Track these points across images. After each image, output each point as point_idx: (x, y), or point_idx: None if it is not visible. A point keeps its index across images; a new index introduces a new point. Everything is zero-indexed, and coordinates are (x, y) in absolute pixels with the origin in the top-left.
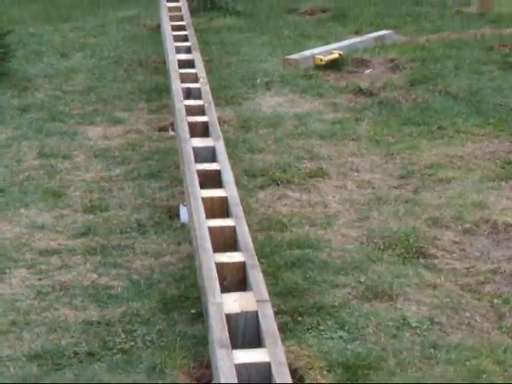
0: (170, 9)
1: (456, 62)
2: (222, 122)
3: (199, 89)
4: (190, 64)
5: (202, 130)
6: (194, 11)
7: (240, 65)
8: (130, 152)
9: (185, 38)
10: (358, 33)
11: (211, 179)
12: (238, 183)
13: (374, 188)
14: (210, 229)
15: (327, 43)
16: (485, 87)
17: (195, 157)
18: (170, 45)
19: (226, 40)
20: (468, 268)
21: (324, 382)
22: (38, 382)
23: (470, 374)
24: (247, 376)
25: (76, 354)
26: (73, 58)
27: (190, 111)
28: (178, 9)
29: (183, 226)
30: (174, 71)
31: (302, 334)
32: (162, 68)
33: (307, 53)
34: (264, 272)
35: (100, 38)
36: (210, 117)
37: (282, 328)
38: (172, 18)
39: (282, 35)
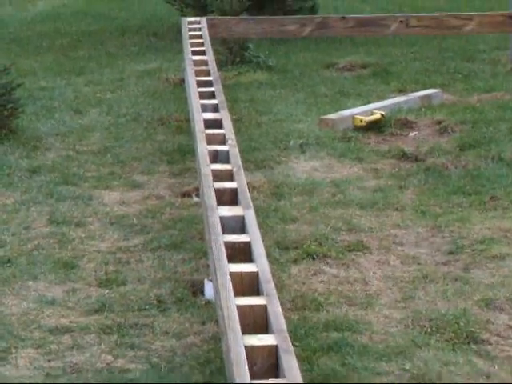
0: (196, 62)
1: (510, 125)
2: (251, 188)
3: (227, 151)
4: (217, 124)
5: (230, 198)
6: (221, 65)
7: (272, 125)
8: (150, 220)
9: (212, 95)
10: (401, 91)
11: (240, 252)
12: (269, 256)
13: (419, 264)
14: (239, 308)
15: (368, 102)
16: None
17: (222, 227)
18: (195, 102)
19: (257, 97)
20: None
21: None
22: None
23: None
24: None
25: None
26: (87, 115)
27: (217, 176)
28: (205, 62)
29: (208, 303)
30: (200, 131)
31: None
32: (185, 127)
33: (346, 113)
34: (298, 357)
35: (117, 93)
36: (239, 183)
37: None
38: (198, 73)
39: (318, 93)
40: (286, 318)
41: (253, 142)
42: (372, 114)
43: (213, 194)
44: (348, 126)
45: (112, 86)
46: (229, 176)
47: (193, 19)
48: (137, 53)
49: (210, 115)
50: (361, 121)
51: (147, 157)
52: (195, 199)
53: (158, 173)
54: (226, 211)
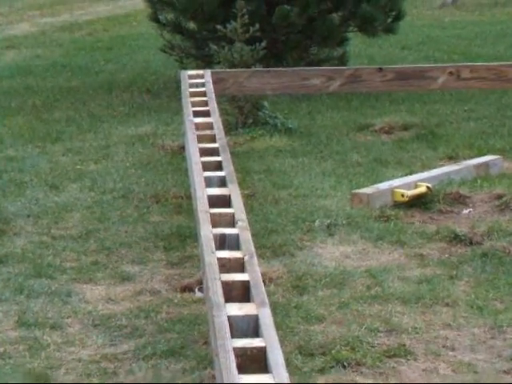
0: (199, 126)
1: None
2: (267, 280)
3: (237, 235)
4: (224, 201)
5: (240, 293)
6: (230, 128)
7: (292, 201)
8: (143, 320)
9: (218, 166)
10: (452, 158)
11: (253, 360)
12: (289, 365)
13: (476, 373)
14: None
15: (411, 172)
16: None
17: (231, 329)
18: (198, 175)
19: (274, 167)
20: None
21: None
22: None
23: None
24: None
25: None
26: (66, 192)
27: (225, 266)
28: (209, 126)
29: None
30: (203, 211)
31: None
32: (185, 206)
33: (384, 186)
34: None
35: (102, 164)
36: (252, 274)
37: None
38: (201, 138)
39: (350, 161)
40: None
41: (269, 222)
42: (416, 186)
43: (219, 288)
44: (386, 202)
45: (96, 156)
46: (239, 266)
47: (194, 72)
48: (126, 114)
49: (215, 191)
50: (402, 195)
51: (139, 242)
52: (198, 294)
53: (152, 262)
54: (236, 310)
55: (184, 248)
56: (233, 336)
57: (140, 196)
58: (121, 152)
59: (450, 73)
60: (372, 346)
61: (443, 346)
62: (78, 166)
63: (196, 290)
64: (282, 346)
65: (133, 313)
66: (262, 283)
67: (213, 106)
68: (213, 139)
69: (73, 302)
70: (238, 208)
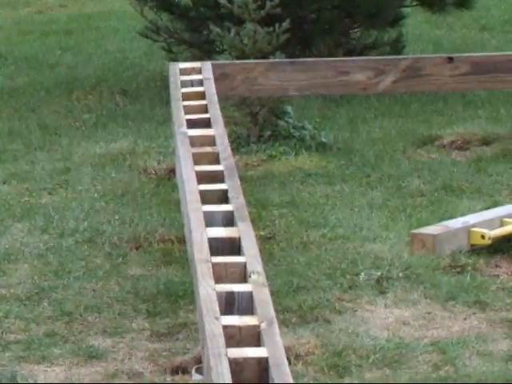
0: (195, 140)
1: None
2: (293, 356)
3: (250, 294)
4: (232, 246)
5: (255, 374)
6: (239, 144)
7: (327, 246)
8: None
9: (223, 197)
10: None
11: None
12: None
13: None
14: None
15: (494, 204)
16: None
17: None
18: (195, 209)
19: (301, 199)
20: None
21: None
22: None
23: None
24: None
25: None
26: (8, 234)
27: (234, 338)
28: (210, 140)
29: None
30: (203, 261)
31: None
32: (178, 253)
33: (456, 223)
34: None
35: (60, 196)
36: (272, 348)
37: None
38: (199, 158)
39: (408, 189)
40: None
41: (295, 275)
42: (502, 224)
43: (226, 368)
44: (460, 245)
45: (50, 183)
46: (253, 337)
47: (189, 65)
48: (93, 125)
49: (220, 232)
50: (482, 237)
51: (112, 305)
52: (196, 378)
53: (130, 332)
54: None
55: (175, 312)
56: None
57: (113, 240)
58: (86, 178)
59: None
60: None
61: None
62: (26, 198)
63: (193, 371)
64: None
65: None
66: (286, 361)
67: (215, 113)
68: (215, 159)
69: None
70: (251, 256)
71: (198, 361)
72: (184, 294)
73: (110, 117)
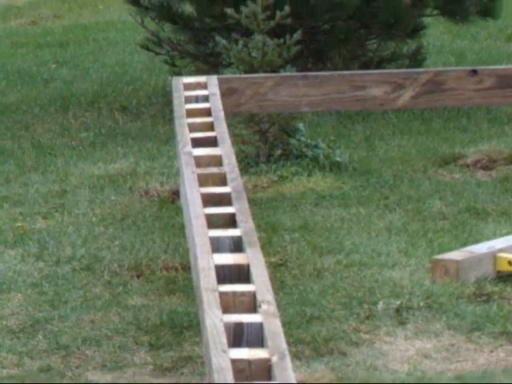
0: (201, 160)
1: None
2: None
3: (260, 325)
4: (240, 274)
5: None
6: (248, 164)
7: (343, 273)
8: None
9: (230, 221)
10: None
11: None
12: None
13: None
14: None
15: None
16: None
17: None
18: (201, 235)
19: (314, 223)
20: None
21: None
22: None
23: None
24: None
25: None
26: (0, 261)
27: (243, 372)
28: (216, 160)
29: None
30: (209, 290)
31: None
32: (182, 282)
33: (481, 248)
34: None
35: (55, 220)
36: (284, 379)
37: None
38: (204, 179)
39: (429, 212)
40: None
41: (308, 305)
42: None
43: None
44: (486, 272)
45: (45, 207)
46: (264, 371)
47: (193, 80)
48: (90, 144)
49: (227, 259)
50: (510, 263)
51: (112, 337)
52: None
53: (132, 366)
54: None
55: (180, 345)
56: None
57: (113, 267)
58: (83, 201)
59: None
60: None
61: None
62: (19, 224)
63: None
64: None
65: None
66: None
67: (222, 131)
68: (222, 181)
69: None
70: (261, 284)
71: None
72: (189, 326)
73: (109, 135)
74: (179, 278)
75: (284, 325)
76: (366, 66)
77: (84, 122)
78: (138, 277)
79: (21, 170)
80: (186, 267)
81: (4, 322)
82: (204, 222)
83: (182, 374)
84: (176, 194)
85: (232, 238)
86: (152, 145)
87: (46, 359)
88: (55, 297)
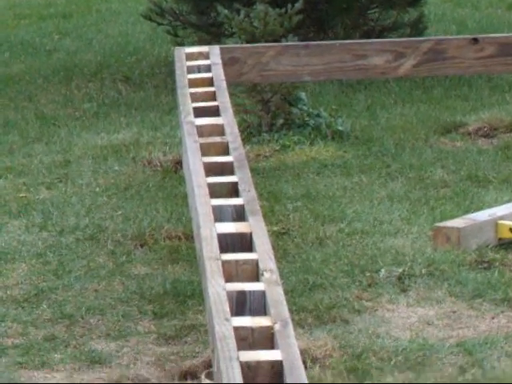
0: (203, 130)
1: None
2: (310, 359)
3: (262, 293)
4: (243, 243)
5: (269, 379)
6: (250, 133)
7: (345, 241)
8: None
9: (233, 190)
10: None
11: None
12: None
13: None
14: None
15: None
16: None
17: None
18: (203, 204)
19: (317, 191)
20: None
21: None
22: None
23: None
24: None
25: None
26: (4, 232)
27: (246, 340)
28: (219, 130)
29: None
30: (212, 258)
31: None
32: (185, 251)
33: (483, 216)
34: None
35: (59, 190)
36: (286, 351)
37: None
38: (207, 149)
39: (431, 180)
40: None
41: (310, 273)
42: None
43: (238, 372)
44: (487, 239)
45: (49, 177)
46: (266, 339)
47: (196, 50)
48: (94, 114)
49: (229, 227)
50: (511, 230)
51: (115, 306)
52: (205, 382)
53: (135, 335)
54: None
55: (183, 314)
56: None
57: (116, 237)
58: (86, 171)
59: None
60: None
61: None
62: (23, 194)
63: (203, 376)
64: None
65: None
66: (302, 365)
67: (224, 101)
68: (224, 150)
69: None
70: (263, 252)
71: (208, 365)
72: (192, 294)
73: (112, 106)
74: (182, 247)
75: (287, 293)
76: (367, 35)
77: (87, 92)
78: (142, 246)
79: (24, 140)
80: (189, 236)
81: (8, 292)
82: (206, 191)
83: (186, 342)
84: (179, 164)
85: (234, 206)
86: (155, 115)
87: (50, 328)
88: (59, 266)
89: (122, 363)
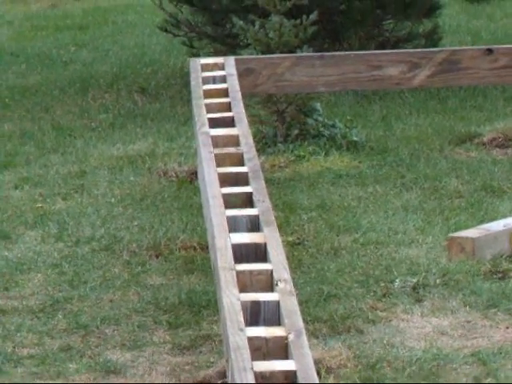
0: (218, 140)
1: None
2: (324, 369)
3: (277, 303)
4: (257, 253)
5: None
6: (265, 144)
7: (360, 252)
8: None
9: (248, 200)
10: None
11: None
12: None
13: None
14: None
15: None
16: None
17: None
18: (218, 214)
19: (331, 202)
20: None
21: None
22: None
23: None
24: None
25: None
26: (20, 243)
27: (260, 350)
28: (234, 140)
29: None
30: (227, 269)
31: None
32: (200, 261)
33: (497, 226)
34: None
35: (75, 201)
36: (301, 361)
37: None
38: (221, 159)
39: (446, 190)
40: None
41: (325, 283)
42: None
43: (252, 382)
44: (502, 249)
45: (65, 188)
46: (281, 350)
47: (211, 61)
48: (110, 125)
49: (244, 238)
50: None
51: (131, 316)
52: None
53: (151, 346)
54: None
55: (198, 324)
56: None
57: (132, 247)
58: (102, 182)
59: None
60: None
61: None
62: (39, 204)
63: None
64: None
65: None
66: (316, 375)
67: (239, 111)
68: (239, 160)
69: None
70: (278, 262)
71: (223, 375)
72: (207, 304)
73: (128, 117)
74: (197, 258)
75: (301, 303)
76: (382, 46)
77: (103, 103)
78: (157, 256)
79: (41, 151)
80: (205, 247)
81: (24, 302)
82: (221, 201)
83: (201, 352)
84: (194, 175)
85: (249, 217)
86: (170, 126)
87: (65, 338)
88: (75, 277)
89: (137, 373)
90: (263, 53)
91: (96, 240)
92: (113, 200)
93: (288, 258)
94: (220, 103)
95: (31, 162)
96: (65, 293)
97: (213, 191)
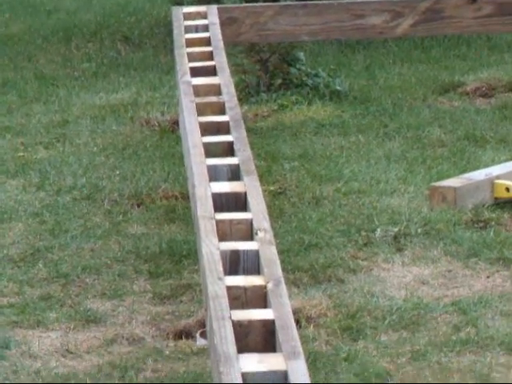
0: (200, 89)
1: None
2: (304, 319)
3: (256, 252)
4: (238, 202)
5: (261, 339)
6: (248, 93)
7: (341, 201)
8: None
9: (228, 149)
10: None
11: None
12: None
13: None
14: None
15: None
16: None
17: None
18: (199, 163)
19: (314, 151)
20: None
21: None
22: None
23: None
24: None
25: None
26: (1, 191)
27: (239, 299)
28: (215, 89)
29: None
30: (206, 218)
31: None
32: (181, 210)
33: (479, 175)
34: None
35: (56, 150)
36: (279, 311)
37: None
38: (203, 109)
39: (428, 140)
40: None
41: (306, 233)
42: None
43: (230, 331)
44: (483, 199)
45: (47, 137)
46: (259, 298)
47: (193, 10)
48: (92, 74)
49: (224, 187)
50: (507, 189)
51: (111, 266)
52: (200, 342)
53: (131, 295)
54: (255, 363)
55: (179, 273)
56: None
57: (113, 196)
58: (84, 131)
59: None
60: None
61: None
62: (21, 154)
63: (197, 335)
64: None
65: (102, 371)
66: (294, 324)
67: (221, 60)
68: (221, 109)
69: (13, 357)
70: (258, 212)
71: (203, 324)
72: (188, 254)
73: (111, 66)
74: (179, 207)
75: (282, 252)
76: None
77: (86, 52)
78: (138, 206)
79: (23, 100)
80: (186, 196)
81: (5, 251)
82: (202, 150)
83: (181, 301)
84: (177, 124)
85: (229, 166)
86: (154, 75)
87: (46, 287)
88: (56, 226)
89: (117, 322)
90: (246, 1)
91: (77, 189)
92: (95, 149)
93: (269, 208)
94: (202, 52)
95: (13, 111)
96: (45, 242)
97: (193, 140)
